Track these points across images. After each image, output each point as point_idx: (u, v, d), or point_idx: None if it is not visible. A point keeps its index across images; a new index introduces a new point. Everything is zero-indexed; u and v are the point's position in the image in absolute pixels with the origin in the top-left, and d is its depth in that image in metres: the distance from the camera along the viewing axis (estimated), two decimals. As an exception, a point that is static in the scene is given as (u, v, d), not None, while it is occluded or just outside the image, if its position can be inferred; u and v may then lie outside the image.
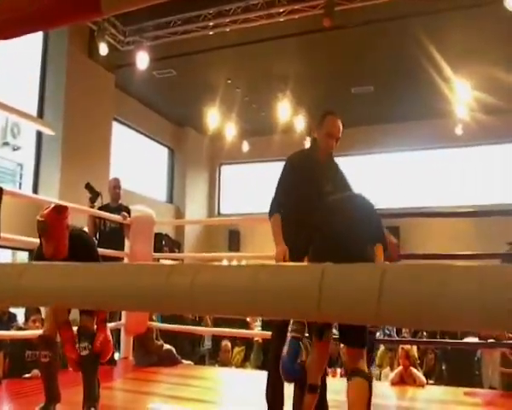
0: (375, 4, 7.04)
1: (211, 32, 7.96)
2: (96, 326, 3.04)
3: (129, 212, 5.41)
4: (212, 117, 10.63)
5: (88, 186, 5.35)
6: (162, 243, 10.09)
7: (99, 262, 2.79)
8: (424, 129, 11.18)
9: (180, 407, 3.47)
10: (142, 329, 5.17)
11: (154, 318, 5.60)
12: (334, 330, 2.80)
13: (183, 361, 5.38)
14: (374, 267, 0.78)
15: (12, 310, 6.06)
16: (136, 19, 8.08)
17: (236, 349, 7.07)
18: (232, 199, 13.70)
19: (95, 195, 5.32)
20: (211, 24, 7.88)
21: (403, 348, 4.92)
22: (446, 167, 11.65)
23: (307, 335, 2.63)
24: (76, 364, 3.00)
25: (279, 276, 0.85)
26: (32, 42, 7.95)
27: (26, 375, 4.08)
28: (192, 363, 5.73)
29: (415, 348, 5.48)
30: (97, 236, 5.41)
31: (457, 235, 10.16)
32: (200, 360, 6.91)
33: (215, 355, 7.15)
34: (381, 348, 6.39)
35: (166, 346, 5.27)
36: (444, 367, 6.36)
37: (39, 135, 8.15)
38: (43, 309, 4.45)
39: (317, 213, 2.64)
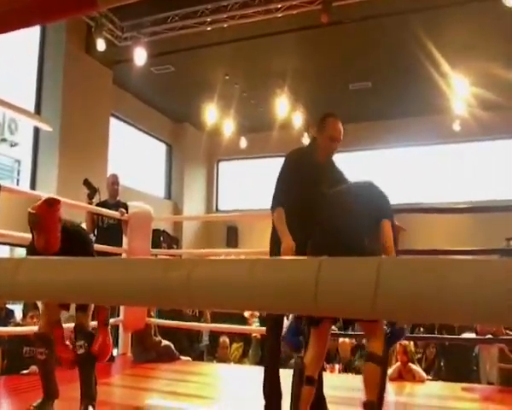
0: (372, 0, 7.03)
1: (209, 28, 7.93)
2: (96, 327, 3.04)
3: (127, 208, 5.40)
4: (210, 113, 10.59)
5: (86, 182, 5.34)
6: (160, 239, 10.09)
7: (95, 257, 2.79)
8: (423, 125, 11.16)
9: (178, 403, 3.47)
10: (141, 325, 5.17)
11: (152, 314, 5.61)
12: (334, 327, 2.83)
13: (182, 357, 5.38)
14: (370, 261, 0.78)
15: (9, 306, 6.06)
16: (134, 14, 8.05)
17: (235, 345, 7.08)
18: (230, 195, 13.68)
19: (93, 191, 5.31)
20: (208, 19, 7.86)
21: (400, 344, 4.90)
22: (444, 163, 11.65)
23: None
24: (69, 362, 3.00)
25: (276, 270, 0.85)
26: (30, 37, 7.92)
27: (24, 371, 4.08)
28: (190, 359, 5.73)
29: (412, 343, 5.47)
30: (95, 232, 5.41)
31: (456, 231, 10.17)
32: (198, 356, 6.90)
33: (213, 351, 7.15)
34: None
35: (165, 342, 5.27)
36: (442, 363, 6.37)
37: (37, 131, 8.12)
38: (40, 305, 4.45)
39: (317, 208, 2.67)
